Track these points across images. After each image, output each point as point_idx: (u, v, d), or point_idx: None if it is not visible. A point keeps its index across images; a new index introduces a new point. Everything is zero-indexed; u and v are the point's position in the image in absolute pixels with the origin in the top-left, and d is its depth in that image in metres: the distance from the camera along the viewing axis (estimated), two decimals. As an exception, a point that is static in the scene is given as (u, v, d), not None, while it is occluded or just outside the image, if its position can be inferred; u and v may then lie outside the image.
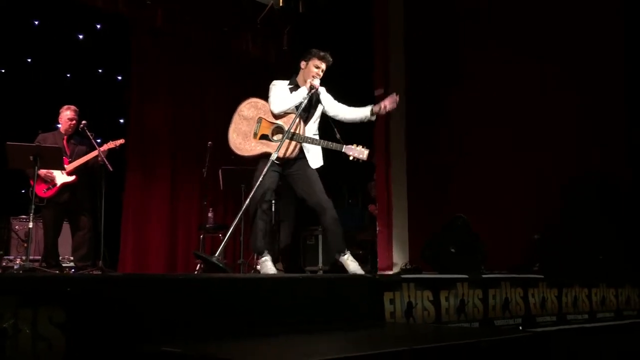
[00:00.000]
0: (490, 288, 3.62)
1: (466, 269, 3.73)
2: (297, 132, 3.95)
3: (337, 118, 4.11)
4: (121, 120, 7.40)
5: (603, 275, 4.40)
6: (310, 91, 3.97)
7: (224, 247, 3.73)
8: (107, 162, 5.40)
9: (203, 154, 6.66)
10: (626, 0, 5.43)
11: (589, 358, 3.82)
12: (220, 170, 6.45)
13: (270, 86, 4.12)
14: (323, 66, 4.07)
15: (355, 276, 3.37)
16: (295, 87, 4.09)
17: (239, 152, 4.05)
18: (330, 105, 4.11)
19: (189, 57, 7.64)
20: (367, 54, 6.41)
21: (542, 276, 3.99)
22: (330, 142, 3.91)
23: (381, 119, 6.12)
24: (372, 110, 4.01)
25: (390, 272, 5.18)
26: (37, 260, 5.69)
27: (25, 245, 5.50)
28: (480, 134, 5.71)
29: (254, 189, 3.79)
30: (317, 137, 4.07)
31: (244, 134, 4.05)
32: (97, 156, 5.44)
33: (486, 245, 4.44)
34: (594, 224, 4.95)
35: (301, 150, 3.99)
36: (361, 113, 4.05)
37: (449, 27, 6.13)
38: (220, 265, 3.60)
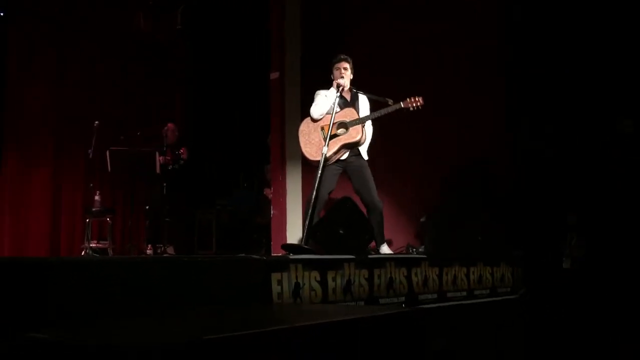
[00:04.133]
0: (376, 268, 3.73)
1: (354, 250, 3.82)
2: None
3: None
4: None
5: (480, 255, 4.68)
6: (338, 89, 4.47)
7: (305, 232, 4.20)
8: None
9: (89, 134, 6.34)
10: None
11: (466, 332, 4.05)
12: (107, 152, 6.16)
13: (315, 95, 4.67)
14: (344, 65, 4.57)
15: (242, 257, 3.34)
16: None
17: (319, 159, 4.38)
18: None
19: (75, 32, 7.21)
20: (263, 36, 6.37)
21: (425, 256, 4.16)
22: (387, 108, 4.45)
23: (277, 101, 6.14)
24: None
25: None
26: None
27: None
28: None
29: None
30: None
31: (316, 144, 4.50)
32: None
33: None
34: (473, 207, 5.26)
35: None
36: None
37: (343, 10, 6.23)
38: (310, 249, 3.91)
